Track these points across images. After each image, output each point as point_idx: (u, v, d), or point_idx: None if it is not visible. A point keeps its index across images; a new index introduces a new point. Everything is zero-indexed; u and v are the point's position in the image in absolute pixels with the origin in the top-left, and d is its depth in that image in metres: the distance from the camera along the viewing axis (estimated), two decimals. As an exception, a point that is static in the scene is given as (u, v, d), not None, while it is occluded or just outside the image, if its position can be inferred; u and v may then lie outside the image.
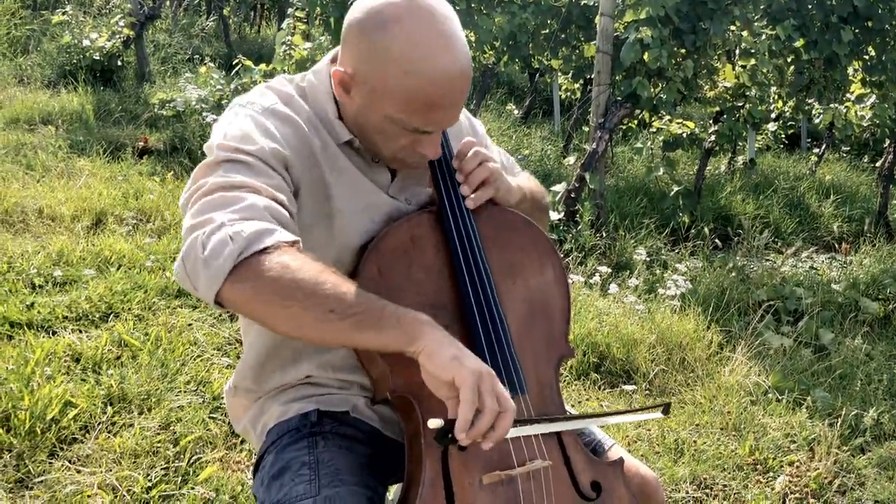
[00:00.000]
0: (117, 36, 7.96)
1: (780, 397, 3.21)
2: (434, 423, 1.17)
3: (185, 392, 2.84)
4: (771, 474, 2.76)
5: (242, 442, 2.63)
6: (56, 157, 5.59)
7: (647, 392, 3.25)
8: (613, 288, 4.04)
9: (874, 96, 6.33)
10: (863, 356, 3.67)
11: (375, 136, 1.37)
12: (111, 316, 3.40)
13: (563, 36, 6.96)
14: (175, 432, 2.60)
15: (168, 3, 11.42)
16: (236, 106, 1.40)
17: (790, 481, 2.70)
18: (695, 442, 2.87)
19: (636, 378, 3.33)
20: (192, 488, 2.36)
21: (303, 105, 1.43)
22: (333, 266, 1.36)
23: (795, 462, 2.82)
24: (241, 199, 1.21)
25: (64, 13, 8.53)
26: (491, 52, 7.81)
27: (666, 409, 1.44)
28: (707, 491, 2.65)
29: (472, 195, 1.44)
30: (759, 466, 2.79)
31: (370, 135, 1.38)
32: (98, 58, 7.79)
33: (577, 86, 8.53)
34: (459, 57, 1.29)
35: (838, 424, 2.98)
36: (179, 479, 2.39)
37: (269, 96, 1.42)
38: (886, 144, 6.47)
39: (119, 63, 7.93)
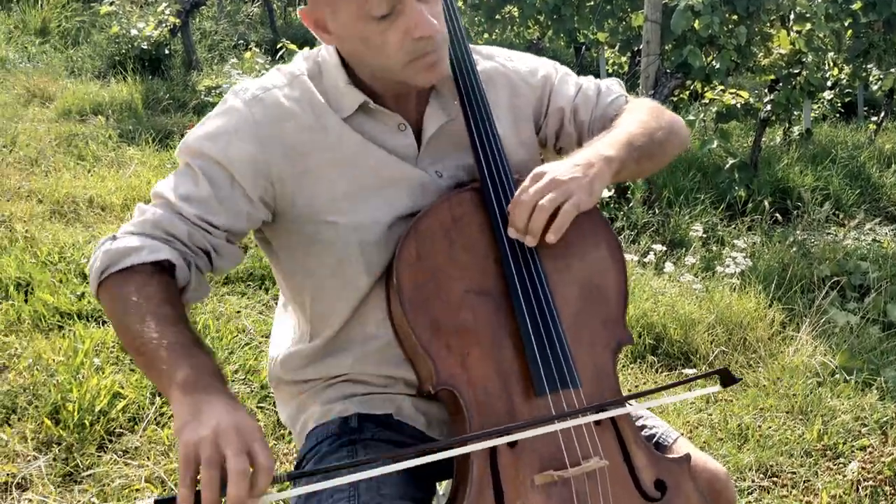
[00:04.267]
0: (164, 24, 7.99)
1: (848, 378, 3.06)
2: None
3: (233, 381, 2.81)
4: (842, 460, 2.63)
5: (290, 433, 2.58)
6: (106, 146, 5.63)
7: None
8: (669, 267, 3.91)
9: (940, 59, 6.04)
10: (935, 333, 3.49)
11: (376, 56, 1.27)
12: (160, 305, 3.39)
13: (608, 7, 6.77)
14: (223, 423, 2.57)
15: (213, -10, 11.46)
16: (231, 93, 1.37)
17: (862, 468, 2.56)
18: (759, 427, 2.75)
19: (695, 360, 3.21)
20: (241, 480, 2.32)
21: (306, 84, 1.36)
22: (360, 251, 1.33)
23: (868, 447, 2.68)
24: (143, 213, 1.30)
25: (111, 3, 8.59)
26: (535, 27, 7.67)
27: (725, 378, 1.30)
28: (774, 479, 2.52)
29: (551, 235, 1.25)
30: (828, 452, 2.65)
31: (371, 61, 1.28)
32: (146, 47, 7.83)
33: (624, 59, 8.33)
34: None
35: (912, 406, 2.83)
36: (228, 470, 2.36)
37: (272, 79, 1.37)
38: (954, 109, 6.17)
39: (166, 51, 7.97)
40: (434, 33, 1.24)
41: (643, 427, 1.49)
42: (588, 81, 1.56)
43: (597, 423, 1.28)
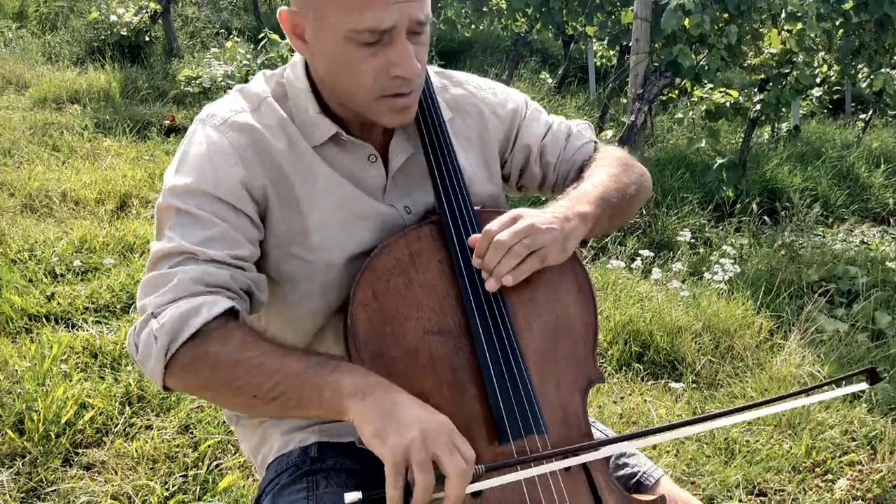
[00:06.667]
0: (144, 10, 7.82)
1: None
2: (351, 496, 1.04)
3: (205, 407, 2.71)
4: (830, 476, 2.57)
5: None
6: (82, 137, 5.49)
7: (694, 385, 3.05)
8: (656, 272, 3.83)
9: (929, 59, 6.00)
10: (924, 342, 3.44)
11: (348, 79, 1.20)
12: (132, 307, 3.28)
13: (597, 1, 6.69)
14: (194, 436, 2.47)
15: (196, -25, 11.26)
16: (198, 122, 1.29)
17: (851, 485, 2.51)
18: (747, 442, 2.68)
19: (681, 369, 3.14)
20: (211, 500, 2.23)
21: (275, 108, 1.28)
22: (321, 289, 1.26)
23: (856, 463, 2.62)
24: (171, 278, 1.15)
25: (91, -13, 8.41)
26: (523, 20, 7.57)
27: (872, 376, 1.19)
28: (762, 498, 2.46)
29: (509, 276, 1.20)
30: (817, 468, 2.59)
31: (344, 81, 1.21)
32: (125, 34, 7.66)
33: (613, 52, 8.25)
34: None
35: (901, 419, 2.77)
36: (198, 487, 2.27)
37: (237, 102, 1.30)
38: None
39: (147, 39, 7.79)
40: (414, 76, 1.19)
41: (624, 465, 1.41)
42: (558, 121, 1.52)
43: (566, 469, 1.19)
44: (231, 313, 1.16)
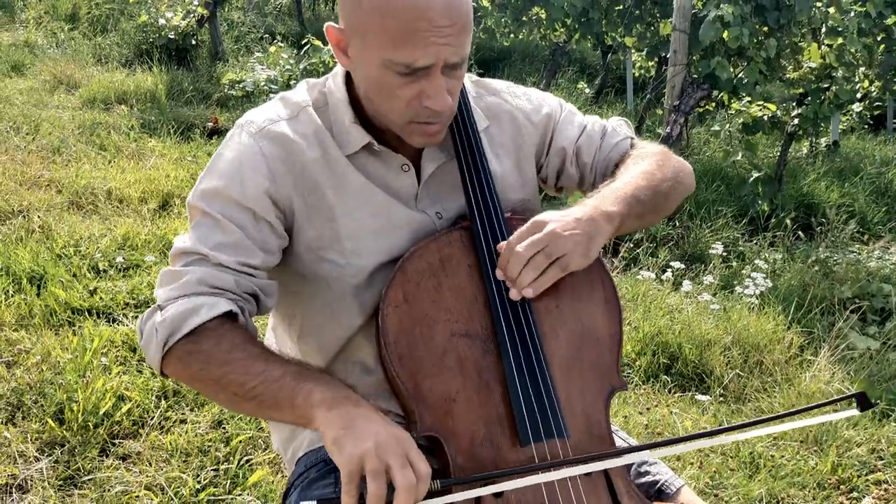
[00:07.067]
0: (192, 14, 7.99)
1: (865, 407, 2.99)
2: None
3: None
4: (855, 494, 2.56)
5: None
6: (128, 137, 5.64)
7: (721, 399, 3.06)
8: (687, 284, 3.83)
9: (975, 76, 5.91)
10: (958, 363, 3.40)
11: (382, 101, 1.26)
12: (171, 304, 3.37)
13: (637, 12, 6.70)
14: (227, 431, 2.55)
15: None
16: (237, 126, 1.36)
17: (876, 504, 2.50)
18: (772, 456, 2.68)
19: (709, 382, 3.15)
20: (241, 494, 2.30)
21: (313, 117, 1.34)
22: (354, 291, 1.31)
23: (883, 482, 2.61)
24: (181, 276, 1.24)
25: (142, -9, 8.60)
26: (562, 30, 7.60)
27: (862, 401, 1.16)
28: (784, 513, 2.47)
29: (529, 288, 1.24)
30: (842, 486, 2.58)
31: (378, 102, 1.27)
32: (173, 37, 7.83)
33: (651, 63, 8.24)
34: None
35: (930, 440, 2.75)
36: (228, 481, 2.34)
37: (276, 111, 1.36)
38: None
39: (193, 42, 7.97)
40: (444, 110, 1.24)
41: (646, 473, 1.44)
42: (593, 122, 1.54)
43: (587, 475, 1.22)
44: (229, 316, 1.23)
